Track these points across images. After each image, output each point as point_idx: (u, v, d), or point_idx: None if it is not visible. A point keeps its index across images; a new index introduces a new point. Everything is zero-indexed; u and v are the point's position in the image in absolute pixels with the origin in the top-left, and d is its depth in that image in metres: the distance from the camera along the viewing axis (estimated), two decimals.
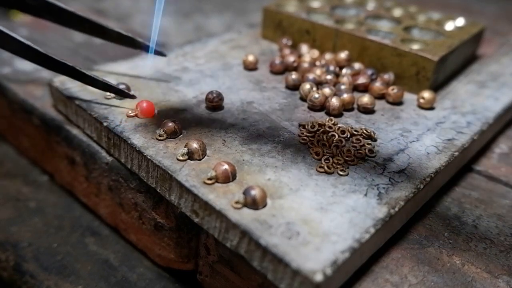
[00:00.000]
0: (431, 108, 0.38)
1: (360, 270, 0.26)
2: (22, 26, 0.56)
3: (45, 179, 0.43)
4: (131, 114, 0.33)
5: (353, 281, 0.26)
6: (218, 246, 0.29)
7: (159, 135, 0.31)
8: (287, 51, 0.44)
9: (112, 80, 0.38)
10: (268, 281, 0.25)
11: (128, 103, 0.35)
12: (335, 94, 0.37)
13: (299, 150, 0.31)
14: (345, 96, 0.36)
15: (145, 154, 0.30)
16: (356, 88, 0.40)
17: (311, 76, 0.39)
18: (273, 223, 0.25)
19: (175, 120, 0.32)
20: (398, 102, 0.38)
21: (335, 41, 0.44)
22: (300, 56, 0.44)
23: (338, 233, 0.25)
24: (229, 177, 0.27)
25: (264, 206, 0.26)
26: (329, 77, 0.39)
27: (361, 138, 0.33)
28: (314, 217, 0.26)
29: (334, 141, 0.32)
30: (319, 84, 0.39)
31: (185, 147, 0.29)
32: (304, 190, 0.28)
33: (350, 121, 0.35)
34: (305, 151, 0.31)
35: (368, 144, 0.32)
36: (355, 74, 0.41)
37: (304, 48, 0.45)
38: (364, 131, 0.33)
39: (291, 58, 0.42)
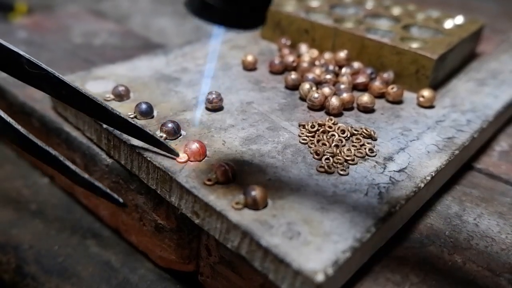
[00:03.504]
0: (431, 107, 0.38)
1: (361, 270, 0.26)
2: (20, 28, 0.56)
3: (46, 181, 0.43)
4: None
5: (354, 281, 0.26)
6: (219, 247, 0.29)
7: (159, 137, 0.31)
8: (286, 51, 0.44)
9: (111, 82, 0.38)
10: (269, 281, 0.25)
11: (127, 105, 0.35)
12: (334, 94, 0.37)
13: (299, 150, 0.31)
14: (345, 95, 0.36)
15: (145, 156, 0.30)
16: (355, 87, 0.40)
17: (310, 75, 0.39)
18: (274, 223, 0.25)
19: (174, 121, 0.32)
20: (398, 101, 0.38)
21: (334, 40, 0.44)
22: (299, 55, 0.44)
23: (339, 233, 0.25)
24: (229, 178, 0.27)
25: (265, 206, 0.26)
26: (328, 76, 0.39)
27: (361, 138, 0.33)
28: (315, 217, 0.26)
29: (334, 140, 0.32)
30: (318, 83, 0.39)
31: (185, 147, 0.29)
32: (305, 190, 0.28)
33: (350, 120, 0.35)
34: (305, 151, 0.31)
35: (368, 143, 0.32)
36: (355, 73, 0.41)
37: (303, 47, 0.45)
38: (364, 131, 0.33)
39: (290, 58, 0.42)
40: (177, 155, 0.29)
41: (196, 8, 0.22)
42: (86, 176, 0.27)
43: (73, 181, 0.28)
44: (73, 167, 0.27)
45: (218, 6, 0.22)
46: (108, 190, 0.27)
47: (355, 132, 0.33)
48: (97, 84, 0.37)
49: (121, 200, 0.28)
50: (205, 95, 0.35)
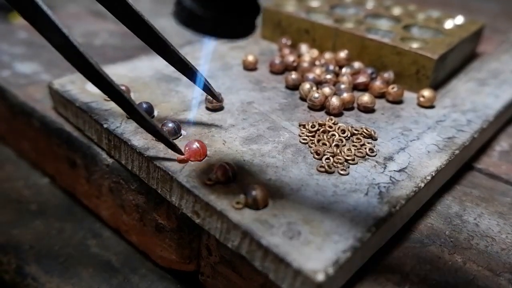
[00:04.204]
0: (431, 107, 0.38)
1: (361, 269, 0.26)
2: (21, 28, 0.56)
3: (46, 181, 0.43)
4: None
5: (354, 280, 0.26)
6: (220, 247, 0.29)
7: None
8: (286, 50, 0.44)
9: None
10: (269, 281, 0.25)
11: None
12: (335, 94, 0.37)
13: (300, 150, 0.31)
14: (345, 95, 0.36)
15: (145, 156, 0.30)
16: (356, 87, 0.40)
17: (311, 75, 0.39)
18: (274, 223, 0.25)
19: (175, 121, 0.32)
20: (398, 101, 0.38)
21: (334, 40, 0.44)
22: (299, 55, 0.44)
23: (339, 233, 0.25)
24: (229, 178, 0.27)
25: (265, 206, 0.26)
26: (329, 76, 0.39)
27: (361, 137, 0.33)
28: (315, 216, 0.26)
29: (335, 140, 0.32)
30: (319, 83, 0.39)
31: (185, 146, 0.29)
32: (305, 190, 0.28)
33: (350, 120, 0.35)
34: (305, 150, 0.31)
35: (368, 143, 0.32)
36: (355, 73, 0.41)
37: (303, 47, 0.45)
38: (365, 130, 0.33)
39: (290, 58, 0.42)
40: (181, 152, 0.29)
41: (185, 19, 0.21)
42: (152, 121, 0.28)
43: (137, 123, 0.29)
44: (139, 109, 0.28)
45: (207, 16, 0.21)
46: (171, 140, 0.29)
47: (356, 132, 0.33)
48: None
49: (183, 153, 0.29)
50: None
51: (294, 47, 0.46)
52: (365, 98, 0.36)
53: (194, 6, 0.20)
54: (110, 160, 0.34)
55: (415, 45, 0.41)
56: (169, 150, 0.30)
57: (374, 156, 0.31)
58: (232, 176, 0.28)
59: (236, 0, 0.21)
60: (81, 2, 0.70)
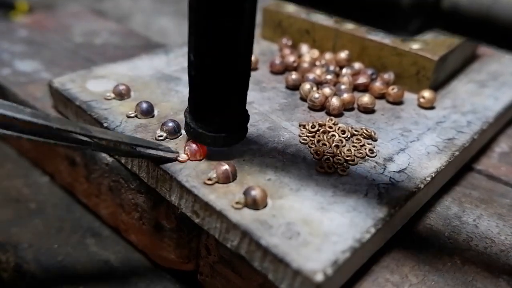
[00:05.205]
0: (432, 108, 0.38)
1: (360, 270, 0.26)
2: (21, 27, 0.56)
3: (46, 180, 0.43)
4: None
5: (353, 281, 0.26)
6: (219, 247, 0.29)
7: (159, 136, 0.31)
8: (287, 51, 0.44)
9: (112, 81, 0.38)
10: (268, 281, 0.25)
11: (127, 104, 0.35)
12: (335, 94, 0.37)
13: (300, 150, 0.31)
14: (345, 96, 0.36)
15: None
16: (356, 88, 0.40)
17: (311, 76, 0.39)
18: (273, 223, 0.25)
19: (175, 120, 0.32)
20: (398, 102, 0.38)
21: (335, 41, 0.44)
22: (300, 56, 0.44)
23: (338, 233, 0.25)
24: (229, 178, 0.27)
25: (265, 206, 0.26)
26: (329, 77, 0.39)
27: (361, 138, 0.33)
28: (314, 217, 0.26)
29: (335, 141, 0.32)
30: (319, 84, 0.39)
31: (185, 146, 0.29)
32: (305, 190, 0.28)
33: (350, 121, 0.35)
34: (305, 151, 0.31)
35: (368, 143, 0.32)
36: (355, 73, 0.41)
37: (304, 48, 0.45)
38: (365, 131, 0.33)
39: (291, 58, 0.42)
40: (177, 153, 0.29)
41: (193, 134, 0.29)
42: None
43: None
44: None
45: (208, 133, 0.28)
46: (164, 146, 0.30)
47: (356, 132, 0.33)
48: (98, 83, 0.37)
49: (174, 155, 0.29)
50: None
51: (294, 47, 0.46)
52: (365, 98, 0.36)
53: (198, 127, 0.28)
54: (109, 159, 0.34)
55: (415, 46, 0.41)
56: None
57: (374, 156, 0.31)
58: (232, 176, 0.28)
59: (228, 123, 0.28)
60: (82, 1, 0.70)
